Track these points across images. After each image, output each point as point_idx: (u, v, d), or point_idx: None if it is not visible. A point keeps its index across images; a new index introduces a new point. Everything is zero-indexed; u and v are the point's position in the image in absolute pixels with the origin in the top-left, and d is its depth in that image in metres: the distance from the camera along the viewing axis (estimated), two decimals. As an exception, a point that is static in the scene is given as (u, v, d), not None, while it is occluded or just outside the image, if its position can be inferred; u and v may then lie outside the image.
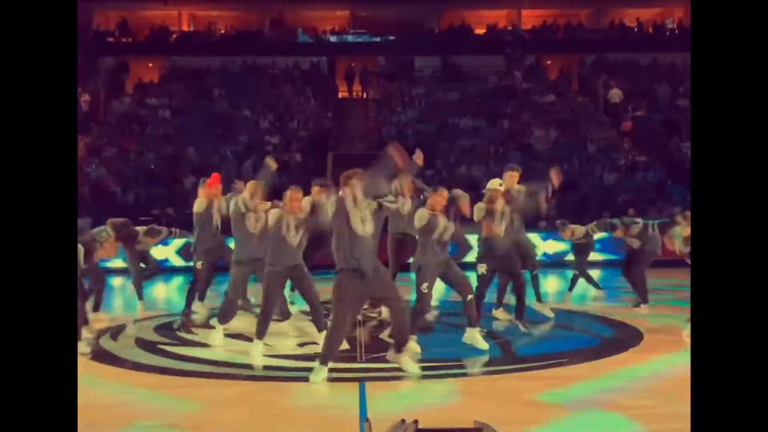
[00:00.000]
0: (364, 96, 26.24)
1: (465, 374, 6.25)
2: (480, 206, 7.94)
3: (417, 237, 7.24)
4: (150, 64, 27.93)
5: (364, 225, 5.99)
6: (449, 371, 6.38)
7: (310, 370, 6.18)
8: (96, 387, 6.00)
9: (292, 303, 8.62)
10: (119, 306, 11.01)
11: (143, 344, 7.63)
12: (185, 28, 30.21)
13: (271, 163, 7.99)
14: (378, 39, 29.15)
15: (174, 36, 28.90)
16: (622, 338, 7.70)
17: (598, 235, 10.18)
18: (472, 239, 10.77)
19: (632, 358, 6.80)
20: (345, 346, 7.28)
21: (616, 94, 24.56)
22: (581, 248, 10.51)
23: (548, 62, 28.32)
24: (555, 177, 8.12)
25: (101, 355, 7.11)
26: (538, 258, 10.07)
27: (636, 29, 29.62)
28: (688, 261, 6.95)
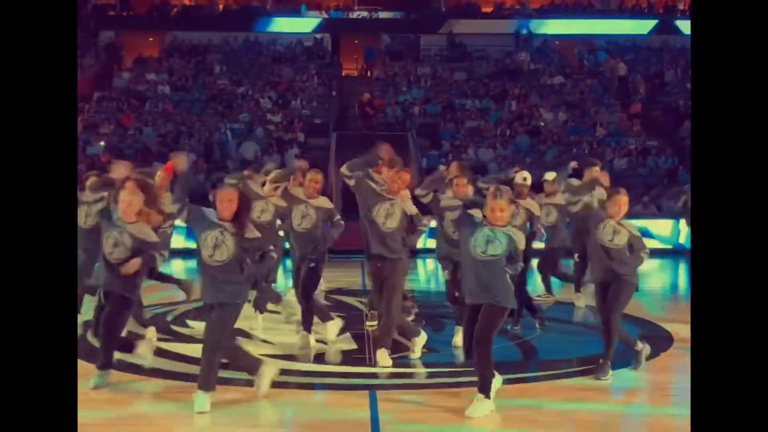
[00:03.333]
0: (369, 75, 25.67)
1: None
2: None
3: None
4: (150, 39, 27.33)
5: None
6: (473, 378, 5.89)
7: (320, 374, 5.72)
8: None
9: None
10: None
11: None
12: (186, 2, 29.56)
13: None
14: (383, 16, 28.52)
15: (175, 10, 28.27)
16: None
17: None
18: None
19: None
20: (353, 346, 6.88)
21: (621, 68, 24.34)
22: None
23: (557, 42, 27.71)
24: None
25: (89, 352, 6.61)
26: None
27: (646, 10, 29.02)
28: None
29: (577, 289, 8.98)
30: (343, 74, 25.95)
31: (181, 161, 5.55)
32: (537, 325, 7.57)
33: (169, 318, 8.16)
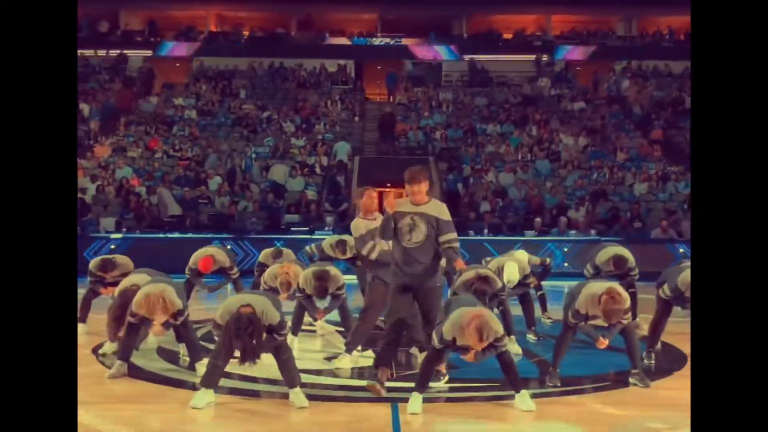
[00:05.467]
0: (391, 100, 26.05)
1: (503, 397, 5.93)
2: None
3: None
4: (177, 65, 27.93)
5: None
6: (492, 393, 6.08)
7: (344, 387, 5.92)
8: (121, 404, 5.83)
9: None
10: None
11: (166, 355, 7.42)
12: (213, 28, 30.20)
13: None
14: (405, 42, 28.98)
15: (201, 36, 28.89)
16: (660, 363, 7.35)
17: None
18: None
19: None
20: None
21: (625, 83, 25.16)
22: None
23: (578, 68, 27.97)
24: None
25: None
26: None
27: (668, 36, 29.20)
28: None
29: None
30: (366, 99, 26.36)
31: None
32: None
33: (199, 335, 8.38)
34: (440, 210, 6.03)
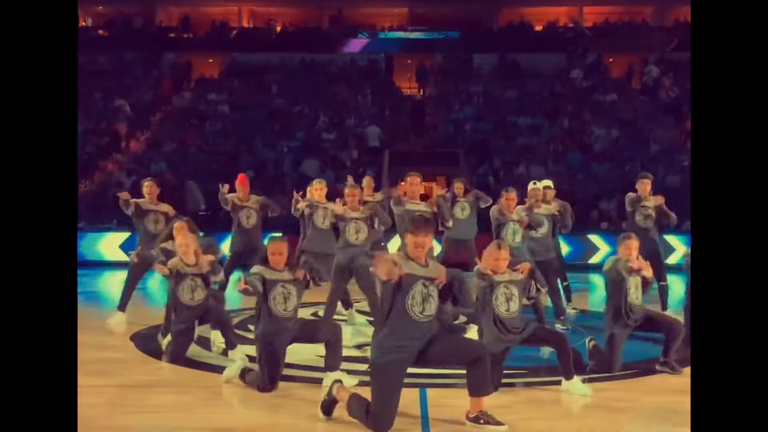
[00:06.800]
0: (422, 93, 26.10)
1: (533, 383, 6.03)
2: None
3: None
4: (210, 60, 28.27)
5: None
6: (516, 379, 6.22)
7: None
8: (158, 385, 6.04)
9: None
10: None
11: (199, 341, 7.62)
12: (245, 24, 30.50)
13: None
14: (436, 36, 28.97)
15: (234, 32, 29.19)
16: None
17: None
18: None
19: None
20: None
21: (653, 71, 24.91)
22: None
23: (610, 60, 27.77)
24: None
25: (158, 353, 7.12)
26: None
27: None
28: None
29: None
30: (396, 93, 26.43)
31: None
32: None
33: (234, 322, 8.59)
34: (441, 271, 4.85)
